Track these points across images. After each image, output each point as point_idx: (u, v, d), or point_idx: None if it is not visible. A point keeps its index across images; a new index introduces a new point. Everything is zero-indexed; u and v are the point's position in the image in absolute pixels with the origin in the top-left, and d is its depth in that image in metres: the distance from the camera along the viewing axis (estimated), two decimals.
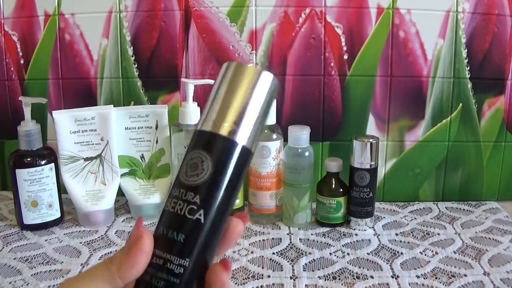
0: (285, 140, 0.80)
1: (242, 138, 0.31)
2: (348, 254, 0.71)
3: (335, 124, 0.88)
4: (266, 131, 0.79)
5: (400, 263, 0.68)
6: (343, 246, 0.74)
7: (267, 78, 0.33)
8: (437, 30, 0.83)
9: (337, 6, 0.83)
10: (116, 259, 0.31)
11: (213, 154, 0.31)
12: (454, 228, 0.79)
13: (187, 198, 0.31)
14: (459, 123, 0.87)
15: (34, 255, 0.70)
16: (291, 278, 0.65)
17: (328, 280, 0.64)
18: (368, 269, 0.66)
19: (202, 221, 0.31)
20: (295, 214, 0.79)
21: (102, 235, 0.77)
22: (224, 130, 0.31)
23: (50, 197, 0.78)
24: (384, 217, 0.83)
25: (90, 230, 0.78)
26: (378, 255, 0.70)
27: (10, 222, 0.81)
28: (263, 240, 0.76)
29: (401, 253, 0.71)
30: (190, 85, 0.78)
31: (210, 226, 0.31)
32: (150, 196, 0.82)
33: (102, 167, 0.80)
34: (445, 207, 0.88)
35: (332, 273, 0.66)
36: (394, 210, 0.87)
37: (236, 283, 0.63)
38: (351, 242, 0.75)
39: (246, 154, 0.32)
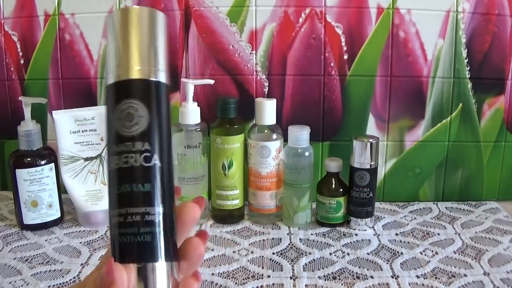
0: (285, 140, 0.80)
1: (161, 76, 0.32)
2: (348, 254, 0.71)
3: (335, 124, 0.88)
4: (266, 131, 0.79)
5: (400, 263, 0.68)
6: (343, 246, 0.74)
7: (151, 13, 0.33)
8: (437, 30, 0.83)
9: (337, 6, 0.83)
10: None
11: (143, 99, 0.31)
12: (454, 228, 0.79)
13: (137, 148, 0.31)
14: (459, 123, 0.87)
15: (34, 255, 0.70)
16: (291, 278, 0.65)
17: (328, 280, 0.64)
18: (368, 269, 0.66)
19: (160, 164, 0.31)
20: (295, 214, 0.79)
21: (102, 235, 0.77)
22: (145, 74, 0.32)
23: (50, 197, 0.78)
24: (384, 217, 0.83)
25: (90, 230, 0.78)
26: (378, 255, 0.70)
27: (10, 222, 0.81)
28: (263, 240, 0.76)
29: (401, 253, 0.71)
30: (190, 85, 0.78)
31: (166, 168, 0.32)
32: None
33: (102, 167, 0.80)
34: (445, 207, 0.88)
35: (332, 273, 0.66)
36: (394, 210, 0.87)
37: (236, 283, 0.63)
38: (351, 242, 0.75)
39: (167, 89, 0.33)
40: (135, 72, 0.32)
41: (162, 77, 0.32)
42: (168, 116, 0.33)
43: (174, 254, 0.32)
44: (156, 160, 0.31)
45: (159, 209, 0.31)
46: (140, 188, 0.31)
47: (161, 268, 0.31)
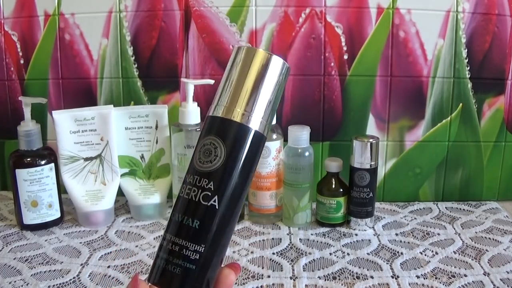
0: (285, 140, 0.80)
1: (254, 123, 0.32)
2: (348, 254, 0.71)
3: (335, 124, 0.88)
4: None
5: (400, 263, 0.68)
6: (343, 246, 0.74)
7: (277, 63, 0.33)
8: (437, 30, 0.83)
9: (337, 6, 0.83)
10: None
11: (226, 140, 0.31)
12: (454, 228, 0.79)
13: (201, 184, 0.31)
14: (459, 123, 0.87)
15: (34, 255, 0.70)
16: (291, 278, 0.65)
17: (328, 280, 0.64)
18: (368, 269, 0.66)
19: (217, 207, 0.31)
20: (295, 214, 0.79)
21: (102, 235, 0.77)
22: (236, 116, 0.31)
23: (50, 197, 0.78)
24: (384, 217, 0.83)
25: (90, 230, 0.78)
26: (378, 255, 0.70)
27: (10, 222, 0.81)
28: (263, 240, 0.76)
29: (401, 253, 0.71)
30: (190, 85, 0.78)
31: (225, 212, 0.31)
32: (150, 196, 0.82)
33: (102, 167, 0.80)
34: (445, 207, 0.88)
35: (332, 273, 0.66)
36: (394, 210, 0.87)
37: (236, 283, 0.63)
38: (351, 242, 0.75)
39: (259, 138, 0.32)
40: (232, 113, 0.32)
41: (255, 124, 0.32)
42: (249, 163, 0.32)
43: None
44: (215, 202, 0.31)
45: (199, 248, 0.31)
46: (189, 222, 0.31)
47: None
